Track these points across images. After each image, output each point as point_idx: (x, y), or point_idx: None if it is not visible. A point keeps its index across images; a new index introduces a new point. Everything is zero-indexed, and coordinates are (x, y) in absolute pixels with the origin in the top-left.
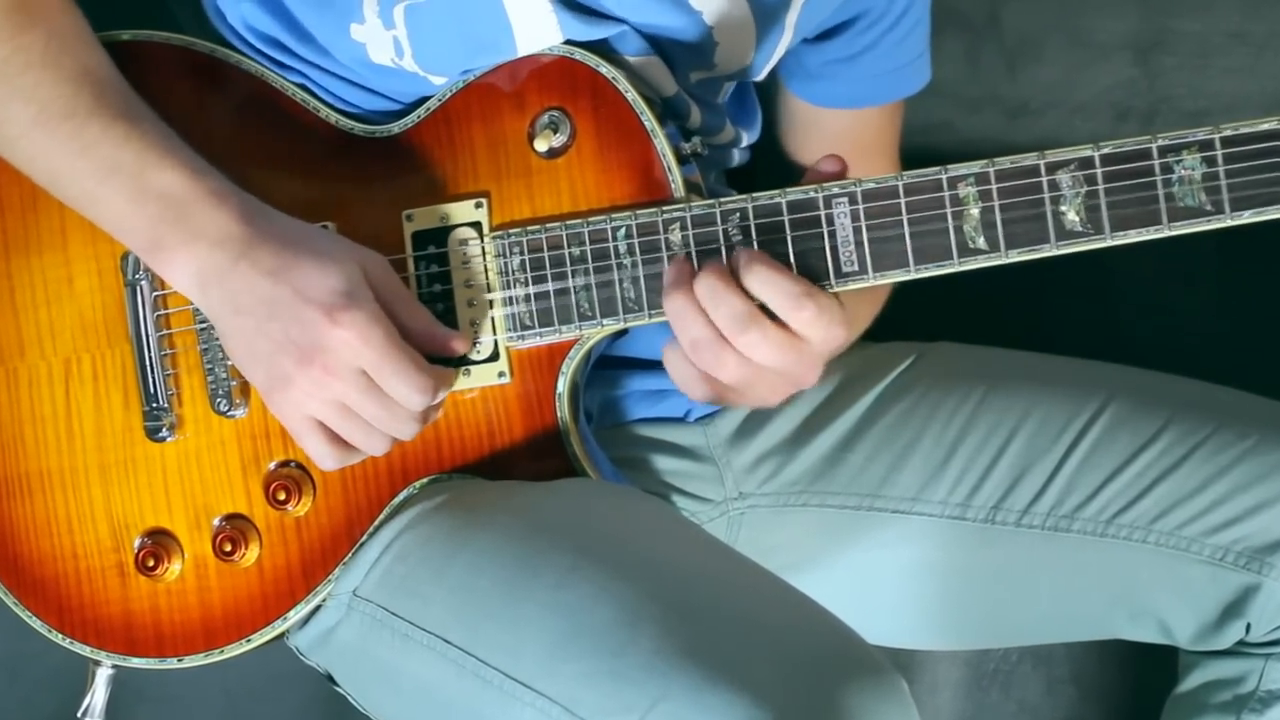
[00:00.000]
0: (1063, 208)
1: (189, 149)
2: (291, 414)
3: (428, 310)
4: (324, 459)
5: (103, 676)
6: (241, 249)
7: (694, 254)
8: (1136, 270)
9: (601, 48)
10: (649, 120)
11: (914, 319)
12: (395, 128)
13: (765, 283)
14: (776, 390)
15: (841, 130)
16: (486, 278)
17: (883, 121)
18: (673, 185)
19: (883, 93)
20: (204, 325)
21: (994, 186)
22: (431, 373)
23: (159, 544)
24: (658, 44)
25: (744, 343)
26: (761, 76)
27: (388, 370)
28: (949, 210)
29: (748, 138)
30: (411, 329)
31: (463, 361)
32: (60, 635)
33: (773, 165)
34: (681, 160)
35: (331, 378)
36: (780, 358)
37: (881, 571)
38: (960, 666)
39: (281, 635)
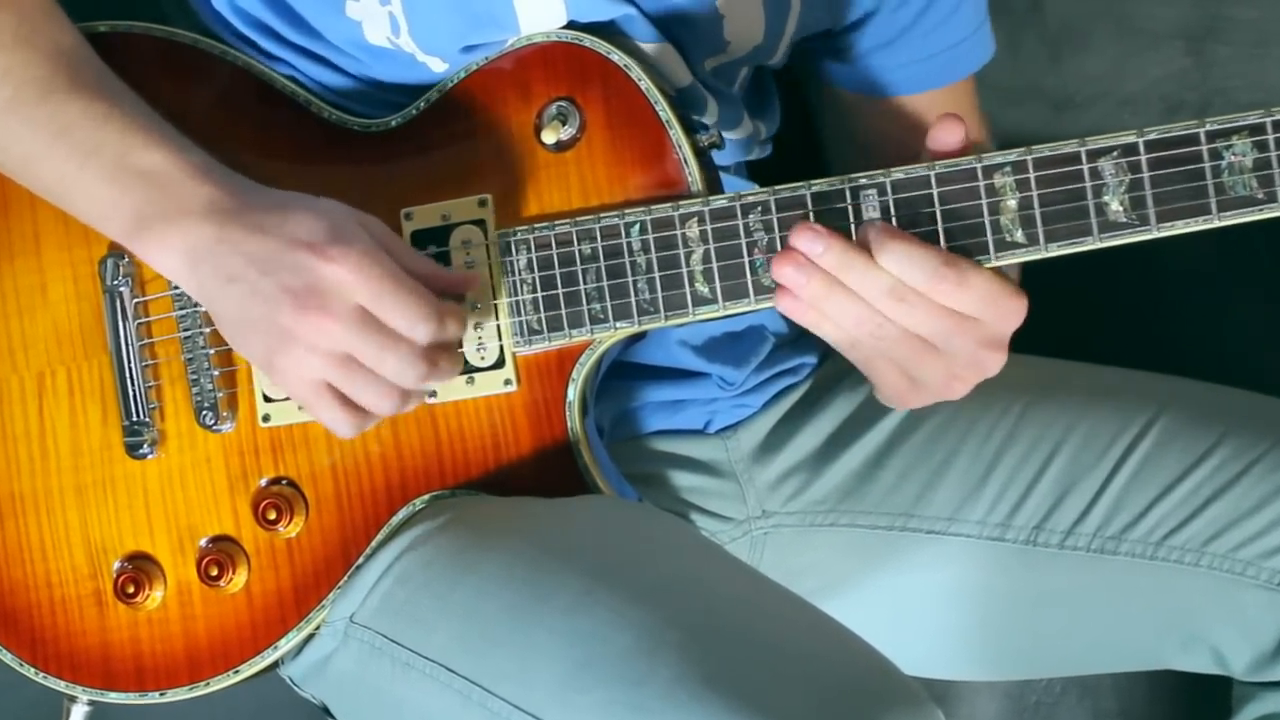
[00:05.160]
0: (1105, 198)
1: (171, 126)
2: (297, 380)
3: (429, 258)
4: (340, 425)
5: (79, 713)
6: (228, 216)
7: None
8: (1187, 274)
9: (609, 32)
10: (664, 110)
11: None
12: (393, 121)
13: (900, 258)
14: (956, 374)
15: (910, 115)
16: (491, 279)
17: (951, 101)
18: (689, 179)
19: (936, 75)
20: (188, 333)
21: (1032, 175)
22: (435, 302)
23: (139, 569)
24: (667, 30)
25: (898, 312)
26: (778, 59)
27: (388, 299)
28: (984, 201)
29: (766, 130)
30: (412, 271)
31: (466, 368)
32: (33, 669)
33: (794, 158)
34: (698, 152)
35: (330, 319)
36: (940, 326)
37: (915, 596)
38: (1000, 698)
39: (272, 666)
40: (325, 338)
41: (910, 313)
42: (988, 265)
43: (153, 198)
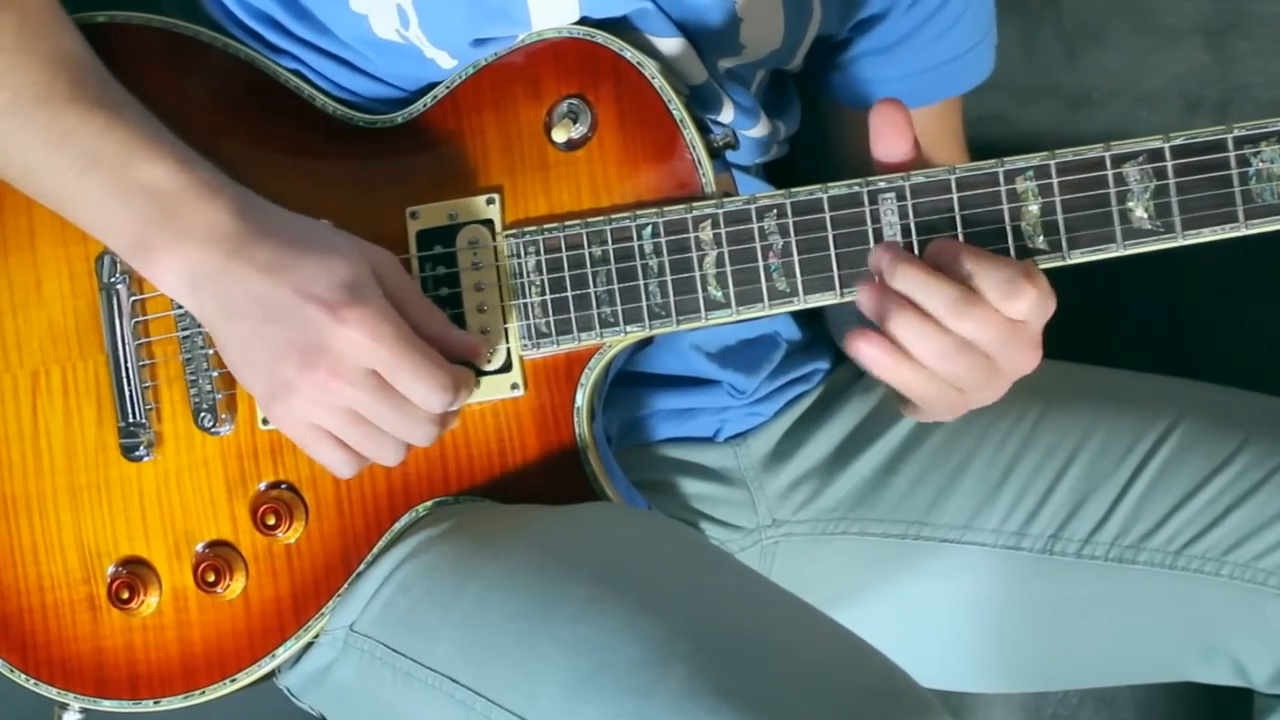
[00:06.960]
0: (1130, 204)
1: (176, 139)
2: (296, 424)
3: (442, 312)
4: (340, 467)
5: None
6: (235, 246)
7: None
8: (1209, 277)
9: (623, 27)
10: (677, 109)
11: None
12: (399, 117)
13: (980, 270)
14: (999, 376)
15: None
16: (499, 281)
17: (936, 120)
18: (703, 180)
19: (924, 91)
20: (186, 333)
21: (1055, 181)
22: (451, 370)
23: (134, 574)
24: (683, 26)
25: (963, 328)
26: (796, 64)
27: (404, 369)
28: (1006, 207)
29: (785, 129)
30: (424, 332)
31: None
32: (24, 675)
33: (814, 157)
34: (712, 153)
35: (339, 381)
36: (999, 339)
37: (929, 606)
38: (1016, 710)
39: (269, 675)
40: (332, 396)
41: (976, 326)
42: None
43: (154, 214)
